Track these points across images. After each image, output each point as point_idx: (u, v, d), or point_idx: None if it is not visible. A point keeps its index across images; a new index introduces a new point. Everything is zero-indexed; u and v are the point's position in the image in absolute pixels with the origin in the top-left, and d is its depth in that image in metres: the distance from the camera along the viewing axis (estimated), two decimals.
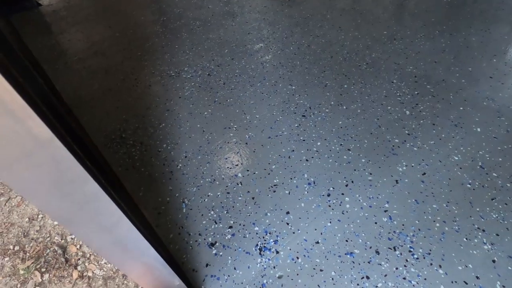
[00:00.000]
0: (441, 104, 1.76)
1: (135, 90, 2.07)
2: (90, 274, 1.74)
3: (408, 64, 2.08)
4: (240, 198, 1.38)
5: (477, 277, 1.07)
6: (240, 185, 1.43)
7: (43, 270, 1.56)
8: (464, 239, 1.17)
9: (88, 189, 0.47)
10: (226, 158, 1.56)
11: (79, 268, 1.76)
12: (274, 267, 1.14)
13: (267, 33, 2.55)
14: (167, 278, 0.85)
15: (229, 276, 1.13)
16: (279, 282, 1.11)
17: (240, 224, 1.29)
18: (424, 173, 1.41)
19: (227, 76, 2.12)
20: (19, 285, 1.48)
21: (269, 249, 1.20)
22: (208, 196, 1.40)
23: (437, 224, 1.22)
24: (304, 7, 2.89)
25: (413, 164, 1.45)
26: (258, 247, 1.21)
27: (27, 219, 1.73)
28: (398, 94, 1.85)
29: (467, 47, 2.19)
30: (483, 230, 1.19)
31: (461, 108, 1.72)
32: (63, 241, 1.85)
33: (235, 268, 1.15)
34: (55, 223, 1.80)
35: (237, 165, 1.52)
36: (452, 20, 2.52)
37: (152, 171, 1.54)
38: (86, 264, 1.77)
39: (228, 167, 1.52)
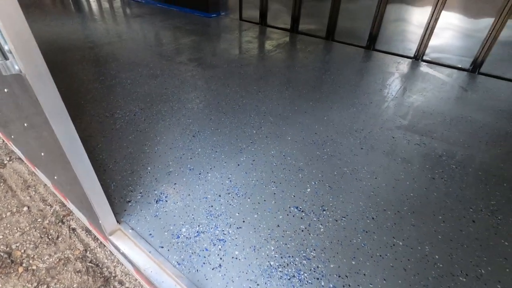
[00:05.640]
0: (274, 126, 3.06)
1: (80, 126, 2.99)
2: (34, 267, 2.12)
3: (263, 106, 3.42)
4: (148, 179, 2.36)
5: (264, 200, 2.20)
6: (149, 173, 2.42)
7: None
8: (265, 186, 2.32)
9: None
10: (142, 160, 2.55)
11: (24, 265, 2.30)
12: (163, 207, 2.12)
13: (178, 88, 3.76)
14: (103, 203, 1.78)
15: (136, 213, 2.07)
16: (165, 213, 2.08)
17: (146, 191, 2.25)
18: (254, 160, 2.59)
19: (147, 115, 3.18)
20: None
21: (162, 200, 2.17)
22: (128, 179, 2.35)
23: (252, 181, 2.36)
24: (208, 72, 4.23)
25: (249, 157, 2.63)
26: (156, 200, 2.18)
27: None
28: (251, 122, 3.12)
29: (299, 96, 3.67)
30: (274, 182, 2.37)
31: (284, 128, 3.04)
32: (8, 248, 2.38)
33: (141, 210, 2.09)
34: (0, 237, 2.34)
35: (148, 163, 2.52)
36: (297, 80, 4.07)
37: None
38: (31, 261, 2.33)
39: (142, 165, 2.50)
